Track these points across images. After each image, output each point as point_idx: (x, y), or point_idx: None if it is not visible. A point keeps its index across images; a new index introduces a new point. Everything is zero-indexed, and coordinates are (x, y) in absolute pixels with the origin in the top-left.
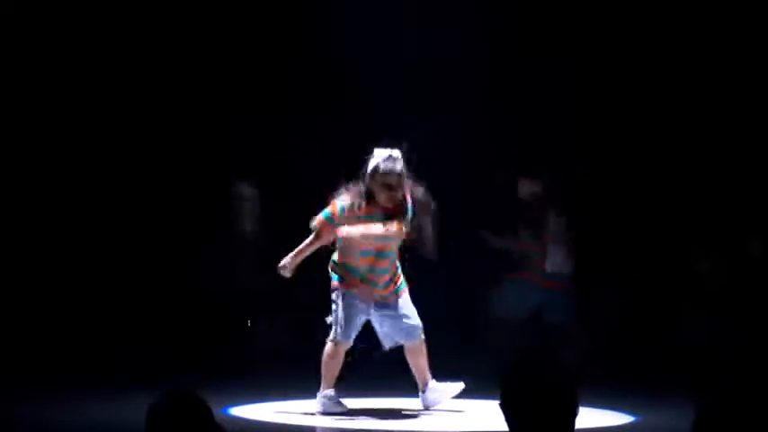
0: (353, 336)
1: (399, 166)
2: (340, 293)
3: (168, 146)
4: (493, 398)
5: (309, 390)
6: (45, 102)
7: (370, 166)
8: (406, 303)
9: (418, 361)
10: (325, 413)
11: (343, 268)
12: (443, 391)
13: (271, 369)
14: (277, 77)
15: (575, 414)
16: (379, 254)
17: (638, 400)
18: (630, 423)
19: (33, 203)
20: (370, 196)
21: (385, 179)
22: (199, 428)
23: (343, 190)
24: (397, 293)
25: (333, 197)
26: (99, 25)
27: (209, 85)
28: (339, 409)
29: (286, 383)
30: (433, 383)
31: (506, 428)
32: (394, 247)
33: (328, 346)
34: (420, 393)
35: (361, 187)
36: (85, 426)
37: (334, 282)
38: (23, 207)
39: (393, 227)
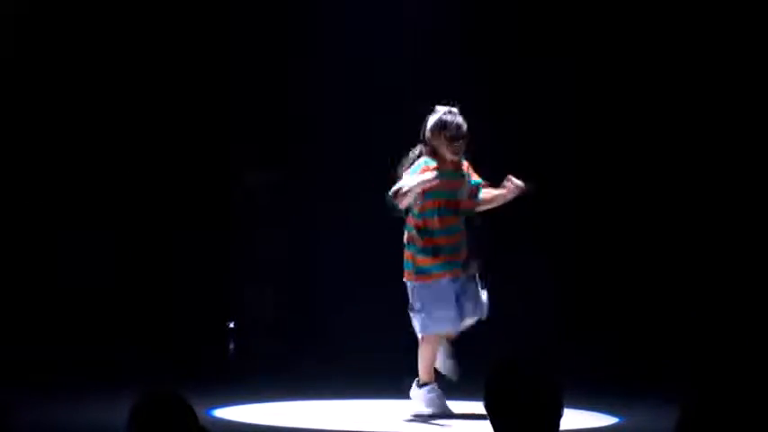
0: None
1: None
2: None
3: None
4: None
5: (294, 391)
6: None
7: (432, 122)
8: None
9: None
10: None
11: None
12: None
13: (255, 371)
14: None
15: (559, 415)
16: None
17: (622, 401)
18: (614, 424)
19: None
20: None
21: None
22: (182, 430)
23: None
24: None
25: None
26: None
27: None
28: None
29: (271, 385)
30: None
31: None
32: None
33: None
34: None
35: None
36: (66, 427)
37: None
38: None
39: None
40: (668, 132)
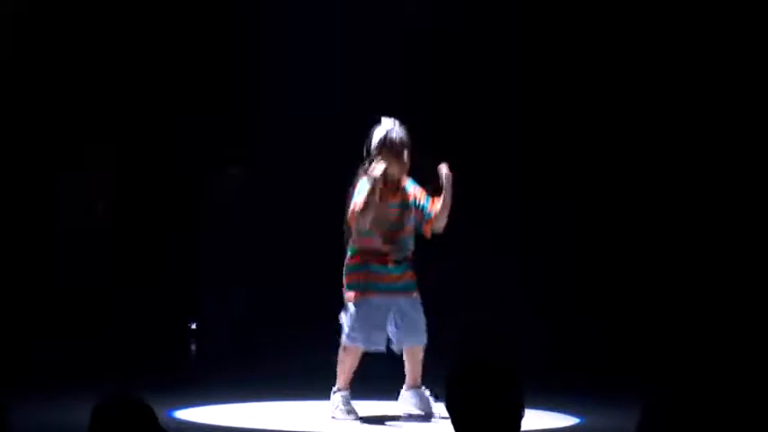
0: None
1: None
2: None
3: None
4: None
5: (256, 393)
6: None
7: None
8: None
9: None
10: (334, 417)
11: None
12: (427, 402)
13: (216, 372)
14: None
15: (520, 416)
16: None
17: (584, 401)
18: (576, 425)
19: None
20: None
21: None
22: (142, 431)
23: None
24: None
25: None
26: None
27: None
28: (349, 416)
29: (231, 386)
30: (423, 389)
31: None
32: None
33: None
34: (403, 391)
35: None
36: (29, 428)
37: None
38: None
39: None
40: (656, 136)
